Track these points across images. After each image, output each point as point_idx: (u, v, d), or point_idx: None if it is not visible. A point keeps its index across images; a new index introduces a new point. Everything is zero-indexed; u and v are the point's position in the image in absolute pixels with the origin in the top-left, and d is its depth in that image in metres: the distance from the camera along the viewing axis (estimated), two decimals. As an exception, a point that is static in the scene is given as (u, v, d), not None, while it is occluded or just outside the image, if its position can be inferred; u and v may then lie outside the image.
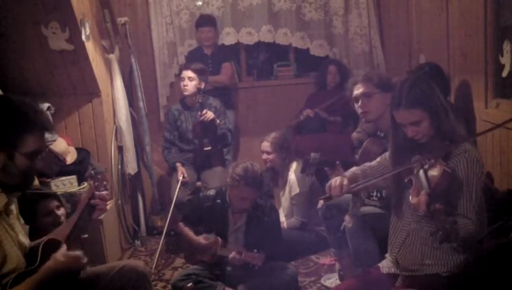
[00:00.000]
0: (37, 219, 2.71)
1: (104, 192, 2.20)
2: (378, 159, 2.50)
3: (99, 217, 2.43)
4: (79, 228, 2.13)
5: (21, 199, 2.16)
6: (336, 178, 2.36)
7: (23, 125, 1.87)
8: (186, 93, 4.21)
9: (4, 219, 1.95)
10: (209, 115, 4.10)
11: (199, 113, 4.11)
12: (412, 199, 2.05)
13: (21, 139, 1.86)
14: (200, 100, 4.13)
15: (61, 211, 2.84)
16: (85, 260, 1.94)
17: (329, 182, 2.35)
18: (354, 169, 2.53)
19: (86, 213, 2.14)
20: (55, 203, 2.83)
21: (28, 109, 1.90)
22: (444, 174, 2.04)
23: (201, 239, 3.31)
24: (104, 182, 2.23)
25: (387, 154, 2.41)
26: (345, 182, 2.31)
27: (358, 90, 2.87)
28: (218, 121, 4.17)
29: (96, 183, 2.19)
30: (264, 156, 3.99)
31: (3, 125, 1.85)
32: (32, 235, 2.17)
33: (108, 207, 2.28)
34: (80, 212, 2.13)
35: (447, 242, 1.96)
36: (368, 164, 2.54)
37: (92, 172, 2.33)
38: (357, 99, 2.89)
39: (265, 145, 3.99)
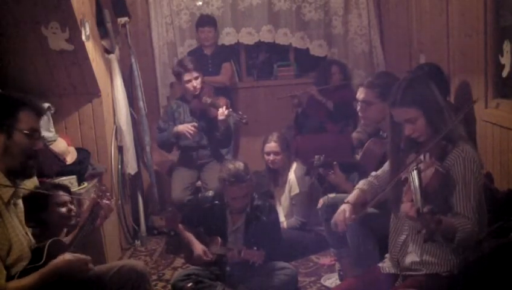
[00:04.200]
0: (50, 210, 2.64)
1: (109, 201, 2.35)
2: (384, 167, 2.54)
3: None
4: (83, 235, 2.25)
5: (30, 197, 2.30)
6: (339, 210, 2.47)
7: (16, 104, 2.00)
8: (197, 92, 4.16)
9: (12, 209, 2.03)
10: (226, 112, 3.97)
11: (217, 101, 4.04)
12: (403, 202, 2.06)
13: (16, 116, 1.97)
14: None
15: (73, 207, 2.75)
16: (91, 264, 2.06)
17: (333, 218, 2.49)
18: (361, 185, 2.58)
19: (90, 221, 2.27)
20: (67, 197, 2.76)
21: (18, 94, 2.09)
22: (436, 174, 2.03)
23: (200, 251, 3.26)
24: (107, 193, 2.38)
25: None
26: (347, 214, 2.43)
27: (360, 95, 2.91)
28: (227, 111, 4.01)
29: (100, 194, 2.34)
30: (271, 157, 3.92)
31: None
32: (41, 238, 2.23)
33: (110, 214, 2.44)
34: (85, 220, 2.25)
35: (431, 241, 1.98)
36: (373, 174, 2.61)
37: (97, 184, 2.41)
38: (357, 101, 2.92)
39: (273, 146, 3.91)
